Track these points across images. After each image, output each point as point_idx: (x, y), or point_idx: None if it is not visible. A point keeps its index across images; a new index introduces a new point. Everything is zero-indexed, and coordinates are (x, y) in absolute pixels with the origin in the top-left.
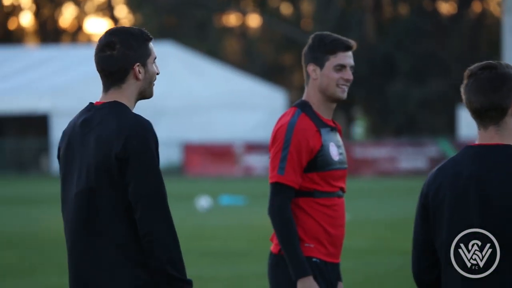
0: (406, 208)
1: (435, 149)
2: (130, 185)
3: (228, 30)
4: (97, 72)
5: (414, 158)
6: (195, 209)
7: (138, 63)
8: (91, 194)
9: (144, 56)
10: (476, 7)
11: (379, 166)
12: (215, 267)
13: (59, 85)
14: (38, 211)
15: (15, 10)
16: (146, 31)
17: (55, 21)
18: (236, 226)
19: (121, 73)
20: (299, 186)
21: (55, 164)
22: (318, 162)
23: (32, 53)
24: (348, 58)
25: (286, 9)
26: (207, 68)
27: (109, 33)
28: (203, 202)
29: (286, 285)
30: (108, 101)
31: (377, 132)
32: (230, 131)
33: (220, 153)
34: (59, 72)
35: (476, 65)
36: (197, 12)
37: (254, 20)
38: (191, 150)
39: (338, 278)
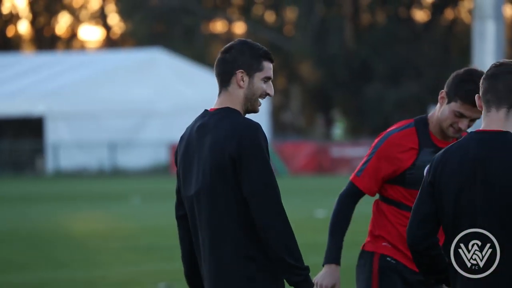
0: None
1: None
2: (245, 182)
3: (215, 37)
4: (90, 77)
5: None
6: None
7: (242, 70)
8: (208, 192)
9: (253, 68)
10: (448, 15)
11: (355, 164)
12: None
13: (53, 89)
14: (32, 209)
15: (13, 18)
16: (270, 52)
17: (51, 29)
18: None
19: (226, 75)
20: (390, 195)
21: (49, 165)
22: (406, 178)
23: (29, 59)
24: (470, 112)
25: (269, 17)
26: (194, 73)
27: (234, 41)
28: None
29: (362, 281)
30: (221, 107)
31: (355, 133)
32: None
33: None
34: (54, 77)
35: (503, 59)
36: (186, 19)
37: (239, 27)
38: None
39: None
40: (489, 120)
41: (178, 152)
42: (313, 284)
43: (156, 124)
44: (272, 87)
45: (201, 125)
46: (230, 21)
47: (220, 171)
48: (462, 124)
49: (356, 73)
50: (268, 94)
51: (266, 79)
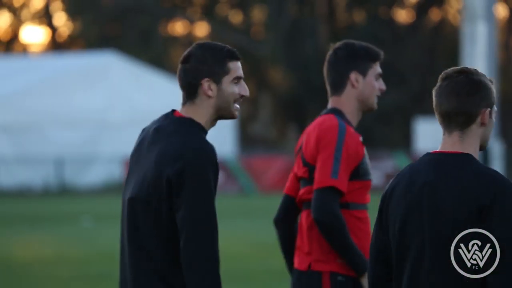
0: None
1: (391, 164)
2: (180, 211)
3: (174, 39)
4: (33, 84)
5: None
6: None
7: (208, 79)
8: (138, 204)
9: (219, 73)
10: (435, 16)
11: None
12: None
13: None
14: None
15: None
16: (234, 50)
17: None
18: None
19: (191, 87)
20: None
21: None
22: (360, 170)
23: None
24: (380, 68)
25: (235, 17)
26: (152, 79)
27: (192, 46)
28: None
29: None
30: (184, 115)
31: None
32: None
33: None
34: None
35: (452, 68)
36: (141, 19)
37: (201, 29)
38: None
39: None
40: (445, 143)
41: (135, 145)
42: None
43: (109, 137)
44: (246, 87)
45: (159, 127)
46: (191, 22)
47: (156, 188)
48: (383, 85)
49: None
50: (242, 96)
51: (237, 80)
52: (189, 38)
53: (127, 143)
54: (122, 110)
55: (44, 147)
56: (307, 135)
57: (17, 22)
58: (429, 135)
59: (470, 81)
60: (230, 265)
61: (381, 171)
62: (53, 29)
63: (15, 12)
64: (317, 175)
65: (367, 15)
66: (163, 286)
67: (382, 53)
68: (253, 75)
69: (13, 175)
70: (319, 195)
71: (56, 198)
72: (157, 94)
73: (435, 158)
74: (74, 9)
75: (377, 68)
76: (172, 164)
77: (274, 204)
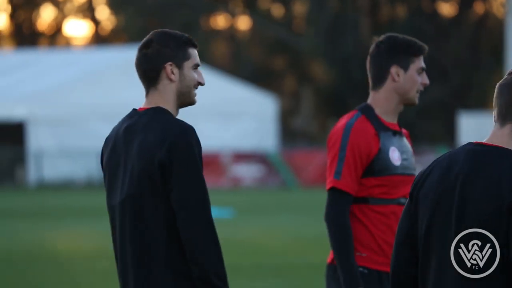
0: None
1: (434, 158)
2: (173, 192)
3: (216, 33)
4: (76, 77)
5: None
6: None
7: (170, 62)
8: (135, 201)
9: (181, 57)
10: (478, 8)
11: None
12: None
13: (35, 91)
14: (11, 225)
15: None
16: (192, 38)
17: (32, 24)
18: (223, 240)
19: (154, 71)
20: (356, 193)
21: (31, 176)
22: (375, 166)
23: (7, 57)
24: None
25: (277, 11)
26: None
27: (151, 33)
28: None
29: None
30: (150, 106)
31: None
32: (217, 139)
33: (206, 162)
34: (36, 77)
35: None
36: (183, 13)
37: (243, 22)
38: None
39: None
40: (493, 134)
41: (104, 156)
42: None
43: None
44: (202, 75)
45: (128, 126)
46: (233, 15)
47: (148, 179)
48: (425, 77)
49: None
50: (200, 83)
51: (195, 67)
52: (231, 31)
53: None
54: None
55: (87, 140)
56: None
57: (61, 16)
58: (472, 129)
59: None
60: (271, 259)
61: (424, 165)
62: (96, 23)
63: (59, 6)
64: (327, 176)
65: (410, 9)
66: (174, 276)
67: (426, 47)
68: (294, 69)
69: (57, 168)
70: (327, 198)
71: (99, 191)
72: (199, 88)
73: (475, 149)
74: (117, 2)
75: (419, 63)
76: (159, 149)
77: (315, 198)
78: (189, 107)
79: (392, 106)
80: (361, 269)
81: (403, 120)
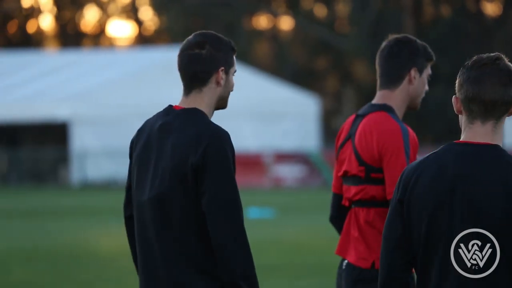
0: None
1: None
2: (205, 195)
3: (258, 33)
4: (120, 78)
5: None
6: None
7: (223, 68)
8: (165, 201)
9: (230, 63)
10: None
11: None
12: None
13: (79, 91)
14: (55, 225)
15: (35, 12)
16: (233, 42)
17: (76, 24)
18: (264, 240)
19: (206, 74)
20: (370, 196)
21: (74, 175)
22: None
23: (52, 57)
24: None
25: (320, 11)
26: (236, 74)
27: (198, 34)
28: None
29: None
30: (187, 106)
31: None
32: (259, 139)
33: (248, 163)
34: (80, 77)
35: (487, 54)
36: (225, 13)
37: (286, 22)
38: None
39: None
40: (473, 132)
41: (135, 147)
42: None
43: None
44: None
45: (164, 123)
46: (275, 16)
47: (179, 179)
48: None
49: None
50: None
51: (234, 73)
52: (273, 32)
53: None
54: None
55: (129, 140)
56: (362, 133)
57: (105, 17)
58: None
59: (510, 69)
60: (312, 259)
61: None
62: (139, 23)
63: (102, 6)
64: (388, 185)
65: (454, 8)
66: (200, 274)
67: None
68: (337, 69)
69: (100, 168)
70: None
71: None
72: (241, 88)
73: (466, 150)
74: (160, 3)
75: (429, 69)
76: (194, 152)
77: None
78: (233, 107)
79: (404, 108)
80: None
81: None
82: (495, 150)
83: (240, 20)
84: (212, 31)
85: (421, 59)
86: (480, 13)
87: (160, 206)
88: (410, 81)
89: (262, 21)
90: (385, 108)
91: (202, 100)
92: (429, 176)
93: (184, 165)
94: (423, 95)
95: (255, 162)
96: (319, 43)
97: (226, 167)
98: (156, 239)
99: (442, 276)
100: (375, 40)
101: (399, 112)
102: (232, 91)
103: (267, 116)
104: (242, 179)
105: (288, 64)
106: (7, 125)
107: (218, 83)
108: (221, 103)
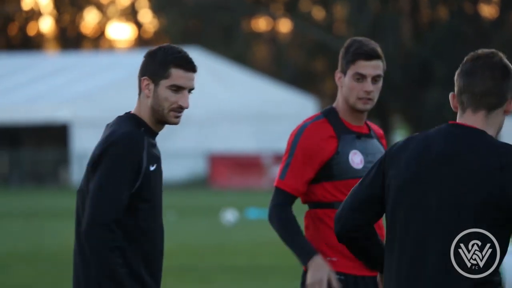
0: None
1: None
2: (90, 184)
3: (257, 35)
4: (120, 80)
5: None
6: (221, 223)
7: (146, 77)
8: (81, 194)
9: (158, 74)
10: None
11: None
12: (242, 283)
13: (79, 93)
14: (56, 225)
15: (35, 15)
16: (189, 59)
17: (76, 27)
18: (263, 241)
19: (138, 81)
20: (321, 197)
21: (74, 177)
22: (334, 170)
23: (52, 60)
24: (368, 68)
25: (318, 13)
26: (234, 75)
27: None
28: (229, 215)
29: None
30: (133, 112)
31: None
32: (258, 141)
33: (247, 164)
34: (80, 80)
35: (483, 50)
36: (224, 16)
37: (284, 25)
38: (217, 161)
39: None
40: (463, 119)
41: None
42: None
43: (192, 132)
44: (187, 99)
45: (106, 125)
46: (274, 18)
47: (87, 175)
48: (367, 86)
49: (414, 77)
50: (180, 106)
51: (176, 88)
52: (272, 34)
53: (210, 138)
54: (204, 105)
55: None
56: None
57: (104, 19)
58: None
59: (505, 64)
60: None
61: None
62: (139, 26)
63: (102, 9)
64: None
65: (451, 11)
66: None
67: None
68: (335, 71)
69: None
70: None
71: None
72: (239, 89)
73: (454, 131)
74: (159, 6)
75: (354, 69)
76: (99, 147)
77: None
78: (232, 109)
79: (346, 110)
80: (337, 276)
81: (442, 121)
82: (482, 134)
83: (238, 23)
84: (173, 45)
85: (343, 60)
86: (477, 16)
87: (79, 199)
88: (340, 84)
89: (260, 24)
90: (324, 110)
91: (139, 108)
92: (412, 152)
93: (93, 156)
94: (355, 96)
95: (254, 163)
96: (317, 45)
97: (117, 165)
98: (75, 230)
99: (416, 266)
100: None
101: (348, 113)
102: (174, 109)
103: (266, 118)
104: (241, 180)
105: (287, 66)
106: (8, 126)
107: (144, 93)
108: (159, 117)
